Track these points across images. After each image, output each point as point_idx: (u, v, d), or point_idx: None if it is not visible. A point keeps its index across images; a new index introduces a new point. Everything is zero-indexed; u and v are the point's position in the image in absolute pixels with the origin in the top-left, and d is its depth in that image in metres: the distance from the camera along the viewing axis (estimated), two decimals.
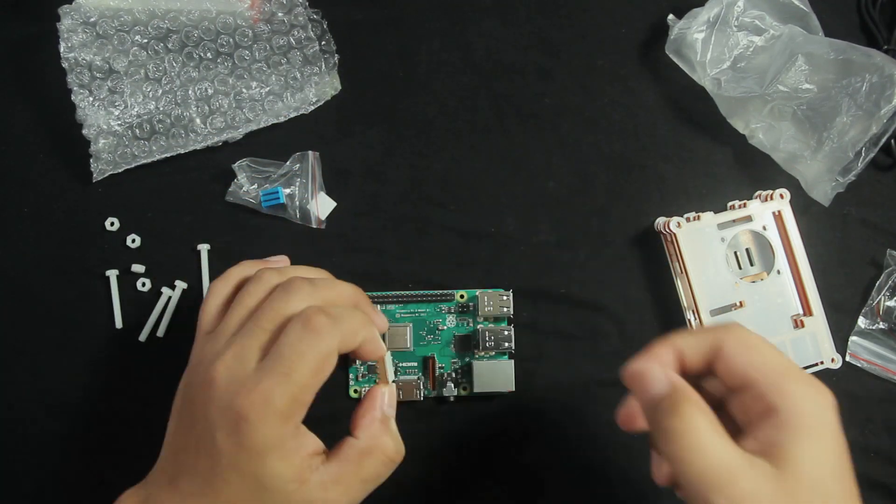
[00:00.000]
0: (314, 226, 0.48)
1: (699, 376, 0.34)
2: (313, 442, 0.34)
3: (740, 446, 0.30)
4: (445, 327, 0.46)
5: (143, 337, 0.46)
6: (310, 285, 0.36)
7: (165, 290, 0.46)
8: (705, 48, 0.47)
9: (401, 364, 0.46)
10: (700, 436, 0.29)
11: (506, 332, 0.44)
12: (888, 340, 0.48)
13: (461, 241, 0.48)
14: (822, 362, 0.46)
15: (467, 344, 0.46)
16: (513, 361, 0.45)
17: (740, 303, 0.46)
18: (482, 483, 0.46)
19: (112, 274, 0.46)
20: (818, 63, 0.46)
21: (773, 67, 0.46)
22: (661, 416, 0.31)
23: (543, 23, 0.51)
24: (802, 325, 0.46)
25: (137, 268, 0.47)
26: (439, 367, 0.46)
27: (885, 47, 0.50)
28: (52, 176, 0.48)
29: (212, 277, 0.47)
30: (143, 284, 0.47)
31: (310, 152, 0.48)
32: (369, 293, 0.46)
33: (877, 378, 0.48)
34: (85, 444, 0.45)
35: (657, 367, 0.32)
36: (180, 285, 0.47)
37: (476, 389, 0.45)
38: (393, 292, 0.46)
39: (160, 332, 0.46)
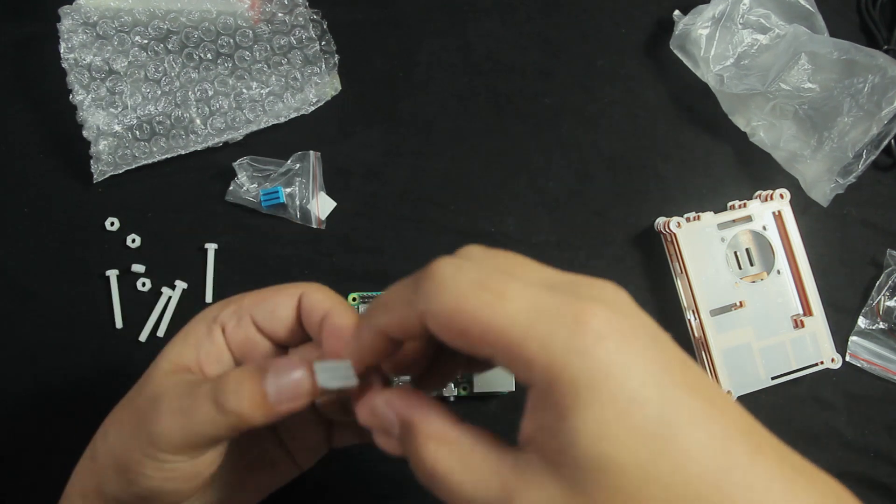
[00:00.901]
0: (314, 226, 0.48)
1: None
2: (216, 369, 0.31)
3: (519, 440, 0.23)
4: None
5: (143, 337, 0.46)
6: None
7: (165, 290, 0.46)
8: (709, 44, 0.47)
9: None
10: (448, 472, 0.23)
11: None
12: (888, 340, 0.48)
13: (461, 241, 0.48)
14: (822, 362, 0.46)
15: None
16: None
17: (740, 303, 0.46)
18: None
19: (112, 274, 0.46)
20: (821, 63, 0.46)
21: (777, 66, 0.46)
22: (410, 457, 0.25)
23: (543, 23, 0.51)
24: (802, 325, 0.46)
25: (137, 268, 0.47)
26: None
27: (886, 47, 0.50)
28: (52, 176, 0.48)
29: (216, 277, 0.47)
30: (143, 284, 0.47)
31: (311, 152, 0.48)
32: (369, 293, 0.46)
33: (877, 378, 0.48)
34: (85, 444, 0.45)
35: (377, 401, 0.26)
36: (180, 285, 0.47)
37: (476, 389, 0.45)
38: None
39: (160, 332, 0.46)
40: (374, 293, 0.46)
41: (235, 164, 0.47)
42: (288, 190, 0.47)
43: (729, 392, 0.45)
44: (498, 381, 0.45)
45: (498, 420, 0.46)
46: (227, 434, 0.27)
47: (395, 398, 0.26)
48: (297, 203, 0.47)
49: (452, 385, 0.45)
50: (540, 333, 0.21)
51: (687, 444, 0.20)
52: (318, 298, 0.30)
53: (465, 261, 0.24)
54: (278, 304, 0.31)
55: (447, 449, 0.24)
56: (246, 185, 0.47)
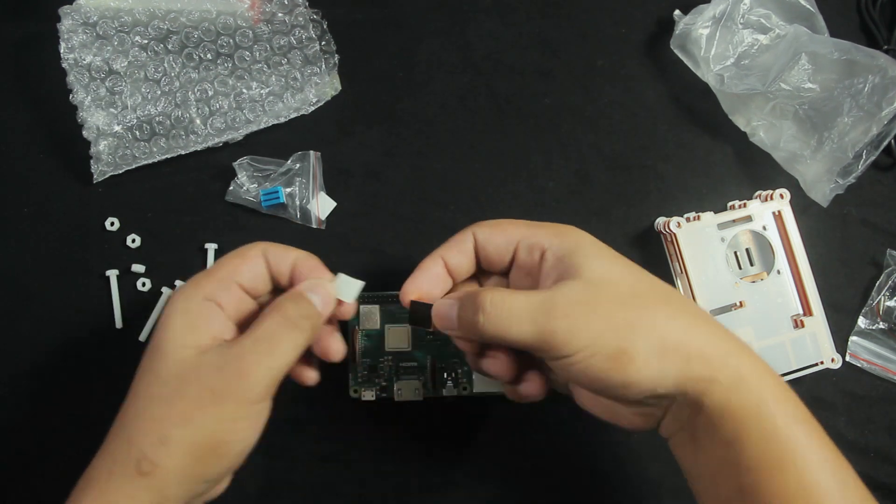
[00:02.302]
0: (314, 226, 0.48)
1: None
2: (231, 334, 0.35)
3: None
4: None
5: (143, 337, 0.46)
6: None
7: (165, 290, 0.47)
8: (710, 44, 0.47)
9: (401, 364, 0.46)
10: (506, 302, 0.33)
11: None
12: (888, 340, 0.48)
13: None
14: (822, 362, 0.46)
15: None
16: None
17: (740, 303, 0.46)
18: (482, 482, 0.46)
19: (112, 274, 0.46)
20: (822, 63, 0.46)
21: (777, 66, 0.46)
22: (473, 321, 0.34)
23: (543, 23, 0.51)
24: (802, 325, 0.46)
25: (137, 268, 0.47)
26: (440, 367, 0.46)
27: (886, 47, 0.50)
28: (52, 176, 0.48)
29: None
30: (143, 284, 0.47)
31: (311, 152, 0.48)
32: (369, 293, 0.46)
33: (877, 378, 0.48)
34: (85, 445, 0.45)
35: (442, 302, 0.36)
36: (180, 285, 0.47)
37: (476, 389, 0.45)
38: (393, 292, 0.46)
39: None
40: (375, 293, 0.46)
41: (235, 164, 0.47)
42: (288, 190, 0.47)
43: None
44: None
45: (497, 420, 0.46)
46: (300, 351, 0.35)
47: (447, 299, 0.36)
48: (297, 203, 0.47)
49: (452, 385, 0.45)
50: (548, 230, 0.37)
51: (644, 283, 0.35)
52: (280, 252, 0.37)
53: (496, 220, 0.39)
54: (256, 265, 0.37)
55: (503, 292, 0.34)
56: (246, 185, 0.47)
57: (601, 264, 0.35)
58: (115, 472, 0.32)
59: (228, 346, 0.34)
